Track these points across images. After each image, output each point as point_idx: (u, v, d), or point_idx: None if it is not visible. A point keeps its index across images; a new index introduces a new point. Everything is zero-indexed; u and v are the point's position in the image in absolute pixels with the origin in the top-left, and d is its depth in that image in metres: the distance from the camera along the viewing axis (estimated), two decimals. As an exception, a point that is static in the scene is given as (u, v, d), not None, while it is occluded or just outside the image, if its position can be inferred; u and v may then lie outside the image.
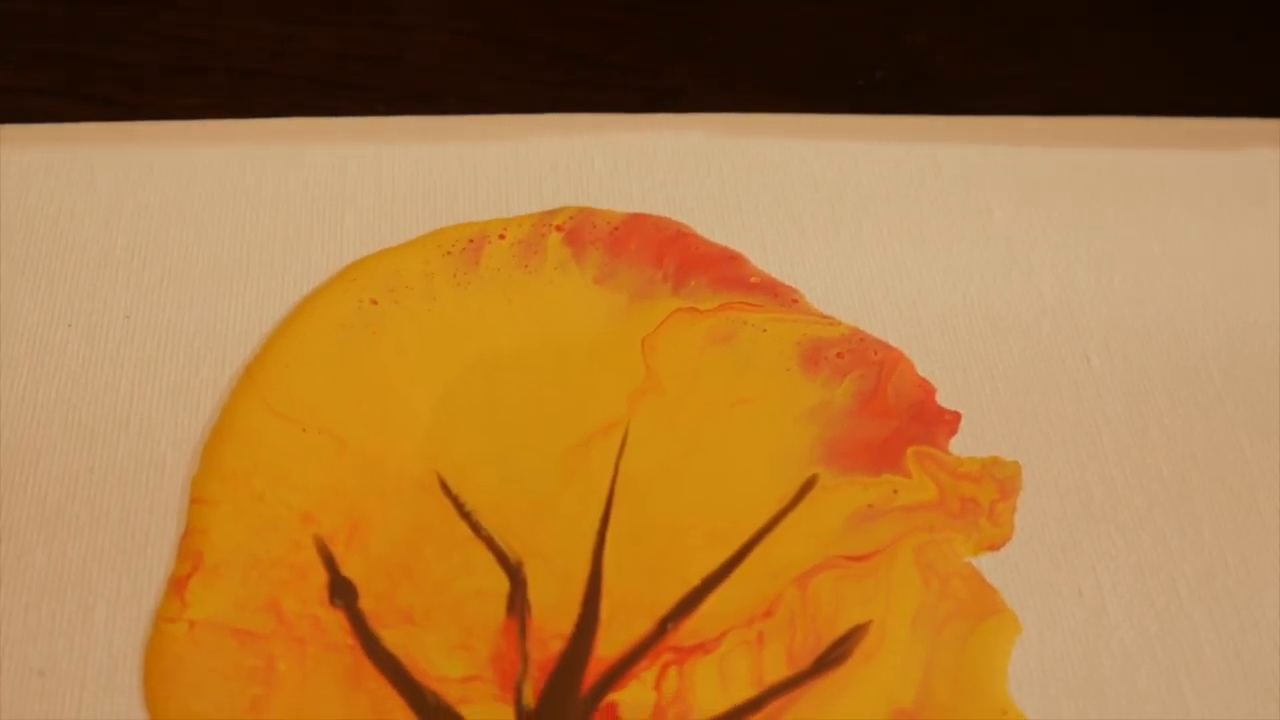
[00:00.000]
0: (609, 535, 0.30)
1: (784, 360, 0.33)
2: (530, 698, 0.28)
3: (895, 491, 0.31)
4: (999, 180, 0.37)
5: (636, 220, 0.35)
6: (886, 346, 0.33)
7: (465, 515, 0.30)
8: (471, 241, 0.35)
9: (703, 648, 0.29)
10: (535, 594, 0.29)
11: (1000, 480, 0.31)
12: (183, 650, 0.28)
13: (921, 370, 0.33)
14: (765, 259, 0.35)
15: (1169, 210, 0.37)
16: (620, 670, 0.28)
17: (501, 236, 0.35)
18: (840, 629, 0.29)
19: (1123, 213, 0.37)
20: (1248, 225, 0.37)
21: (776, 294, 0.34)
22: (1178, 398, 0.34)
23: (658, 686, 0.28)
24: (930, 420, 0.32)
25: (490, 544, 0.30)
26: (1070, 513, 0.31)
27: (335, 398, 0.32)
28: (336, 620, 0.29)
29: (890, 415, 0.32)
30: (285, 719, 0.27)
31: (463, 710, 0.28)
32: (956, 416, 0.32)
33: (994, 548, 0.31)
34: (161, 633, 0.29)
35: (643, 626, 0.29)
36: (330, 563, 0.29)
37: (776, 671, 0.28)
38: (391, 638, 0.29)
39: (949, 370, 0.33)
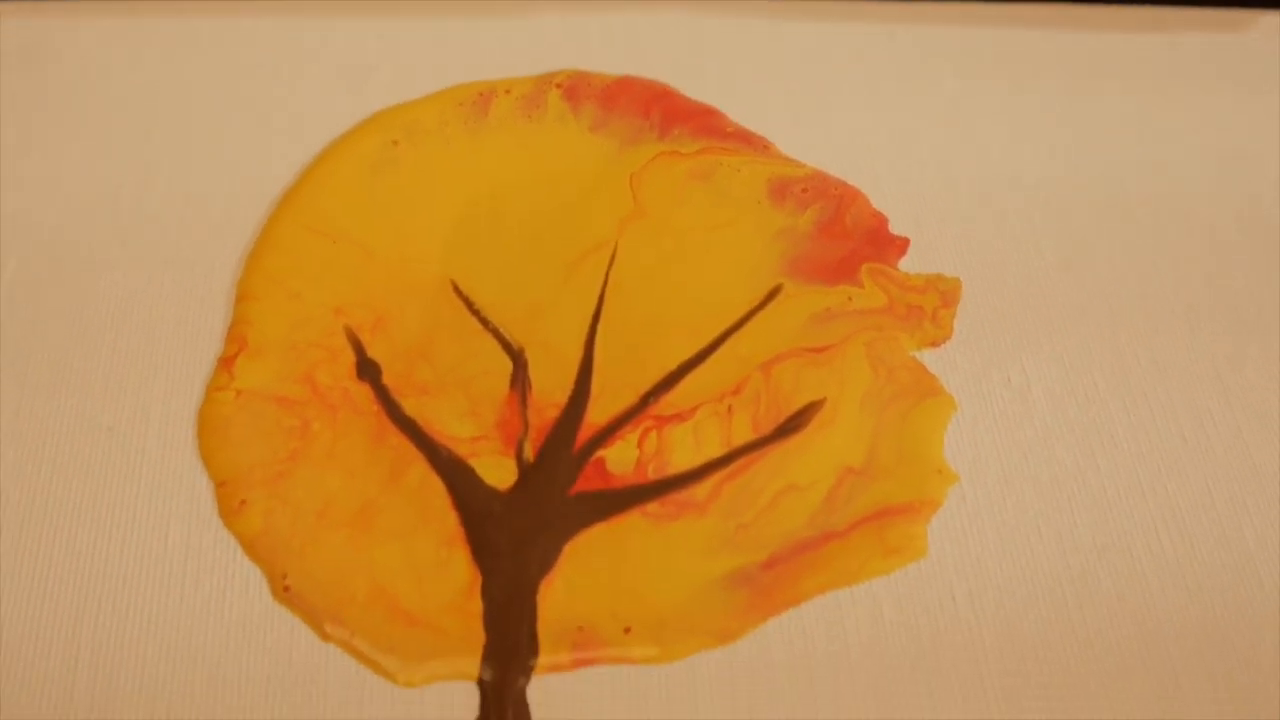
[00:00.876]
0: (599, 328, 0.35)
1: (755, 194, 0.38)
2: (530, 453, 0.32)
3: (850, 299, 0.35)
4: (950, 56, 0.42)
5: (626, 80, 0.40)
6: (845, 185, 0.38)
7: (475, 312, 0.35)
8: (481, 95, 0.39)
9: (679, 416, 0.33)
10: (535, 373, 0.34)
11: (942, 291, 0.36)
12: (231, 413, 0.33)
13: (876, 205, 0.38)
14: (740, 117, 0.40)
15: (1102, 83, 0.42)
16: (608, 433, 0.33)
17: (508, 92, 0.39)
18: (799, 404, 0.33)
19: (1059, 85, 0.42)
20: (1173, 98, 0.42)
21: (750, 141, 0.39)
22: (1104, 231, 0.38)
23: (640, 445, 0.33)
24: (882, 243, 0.37)
25: (496, 334, 0.34)
26: (1004, 320, 0.36)
27: (362, 217, 0.36)
28: (363, 392, 0.33)
29: (847, 238, 0.37)
30: (319, 467, 0.32)
31: (472, 462, 0.32)
32: (906, 241, 0.37)
33: (935, 344, 0.35)
34: (212, 400, 0.33)
35: (627, 400, 0.33)
36: (358, 346, 0.34)
37: (743, 436, 0.33)
38: (410, 406, 0.33)
39: (900, 206, 0.38)
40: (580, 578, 0.31)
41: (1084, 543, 0.32)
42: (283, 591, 0.30)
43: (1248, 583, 0.32)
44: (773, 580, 0.31)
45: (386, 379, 0.33)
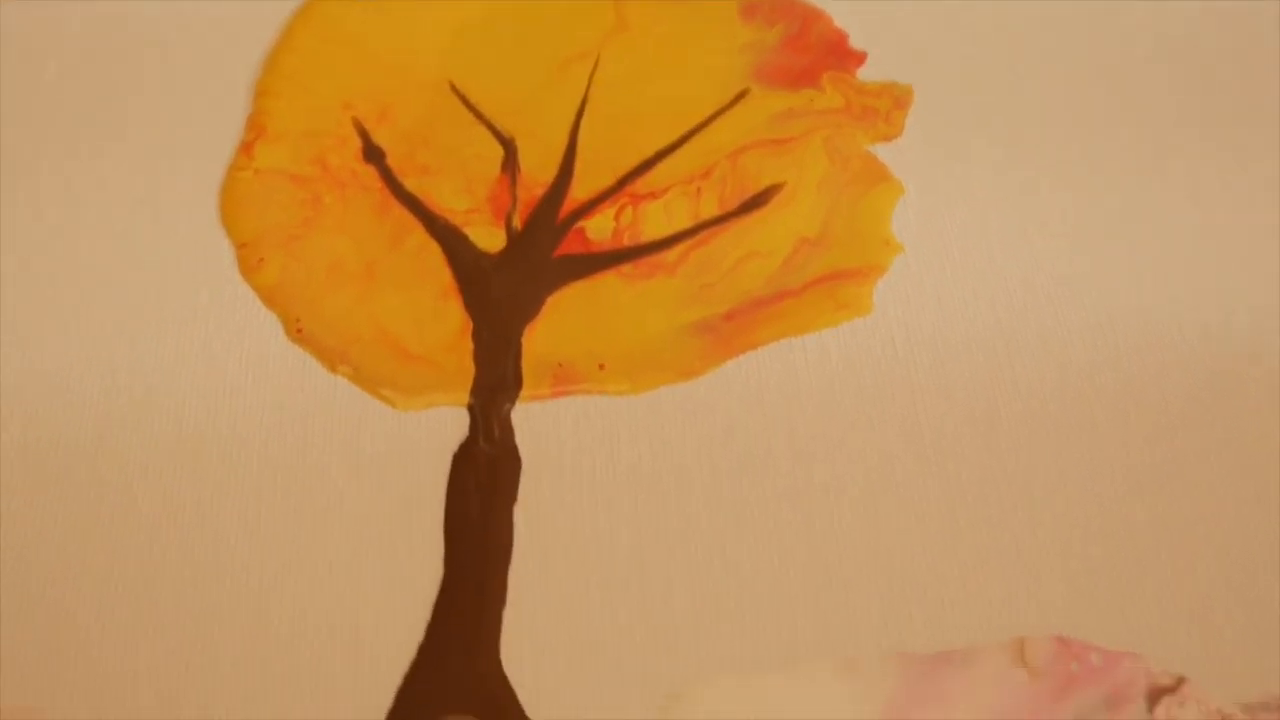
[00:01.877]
0: (582, 122, 0.38)
1: (728, 13, 0.41)
2: (517, 223, 0.36)
3: (811, 100, 0.39)
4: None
5: (613, -81, 0.44)
6: (809, 5, 0.42)
7: (470, 106, 0.38)
8: (479, -73, 0.43)
9: (652, 195, 0.37)
10: (523, 159, 0.38)
11: (896, 96, 0.40)
12: (250, 188, 0.37)
13: (836, 25, 0.41)
14: (717, -50, 0.43)
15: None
16: (588, 208, 0.37)
17: (503, -76, 0.43)
18: (761, 186, 0.37)
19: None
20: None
21: (724, -31, 0.42)
22: (1046, 48, 0.41)
23: (616, 218, 0.36)
24: (842, 55, 0.40)
25: (489, 125, 0.38)
26: (951, 123, 0.39)
27: (369, 28, 0.40)
28: (369, 172, 0.37)
29: (810, 51, 0.40)
30: (329, 233, 0.36)
31: (466, 230, 0.36)
32: (864, 54, 0.40)
33: (888, 139, 0.39)
34: (233, 179, 0.37)
35: (606, 182, 0.37)
36: (364, 134, 0.38)
37: (709, 212, 0.37)
38: (411, 184, 0.37)
39: (860, 26, 0.41)
40: (560, 324, 0.34)
41: (1015, 304, 0.36)
42: (296, 333, 0.34)
43: (1161, 341, 0.35)
44: (733, 329, 0.34)
45: (390, 161, 0.37)
